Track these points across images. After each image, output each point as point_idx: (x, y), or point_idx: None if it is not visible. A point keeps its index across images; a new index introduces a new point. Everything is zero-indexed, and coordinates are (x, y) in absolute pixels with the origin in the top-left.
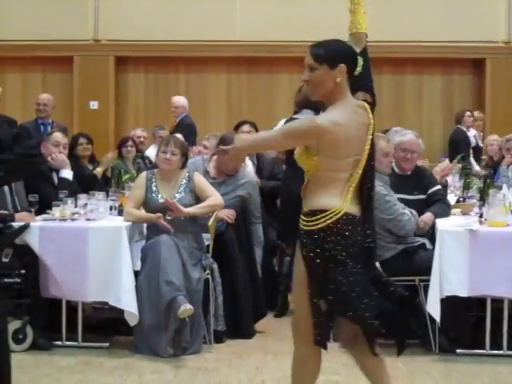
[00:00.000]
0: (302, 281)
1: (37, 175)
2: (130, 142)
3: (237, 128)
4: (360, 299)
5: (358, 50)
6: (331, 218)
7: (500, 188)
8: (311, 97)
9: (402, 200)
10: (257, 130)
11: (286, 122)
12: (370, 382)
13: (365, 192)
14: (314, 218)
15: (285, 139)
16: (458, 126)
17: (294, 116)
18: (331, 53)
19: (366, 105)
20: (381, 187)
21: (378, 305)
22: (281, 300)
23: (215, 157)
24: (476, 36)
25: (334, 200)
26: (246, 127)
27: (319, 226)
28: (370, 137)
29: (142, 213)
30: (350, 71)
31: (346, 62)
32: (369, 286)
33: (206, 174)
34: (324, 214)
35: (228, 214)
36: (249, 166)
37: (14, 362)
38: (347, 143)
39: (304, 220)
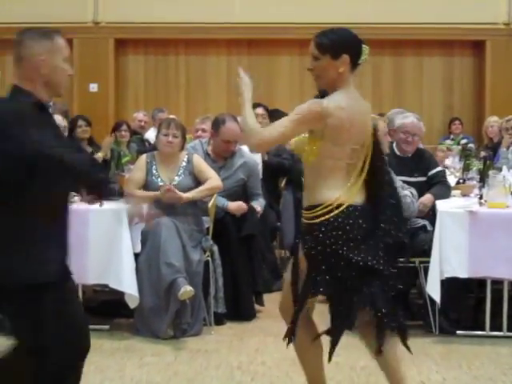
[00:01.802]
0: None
1: None
2: (125, 126)
3: None
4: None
5: None
6: (331, 211)
7: (500, 169)
8: (317, 86)
9: (402, 182)
10: (268, 113)
11: None
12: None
13: (378, 183)
14: (313, 212)
15: (295, 125)
16: None
17: None
18: (334, 43)
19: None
20: None
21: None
22: None
23: (212, 140)
24: (476, 18)
25: (333, 192)
26: (259, 110)
27: (319, 219)
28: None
29: (146, 192)
30: (353, 61)
31: (349, 53)
32: (372, 279)
33: (206, 156)
34: (323, 207)
35: (240, 210)
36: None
37: None
38: (350, 128)
39: (304, 214)
